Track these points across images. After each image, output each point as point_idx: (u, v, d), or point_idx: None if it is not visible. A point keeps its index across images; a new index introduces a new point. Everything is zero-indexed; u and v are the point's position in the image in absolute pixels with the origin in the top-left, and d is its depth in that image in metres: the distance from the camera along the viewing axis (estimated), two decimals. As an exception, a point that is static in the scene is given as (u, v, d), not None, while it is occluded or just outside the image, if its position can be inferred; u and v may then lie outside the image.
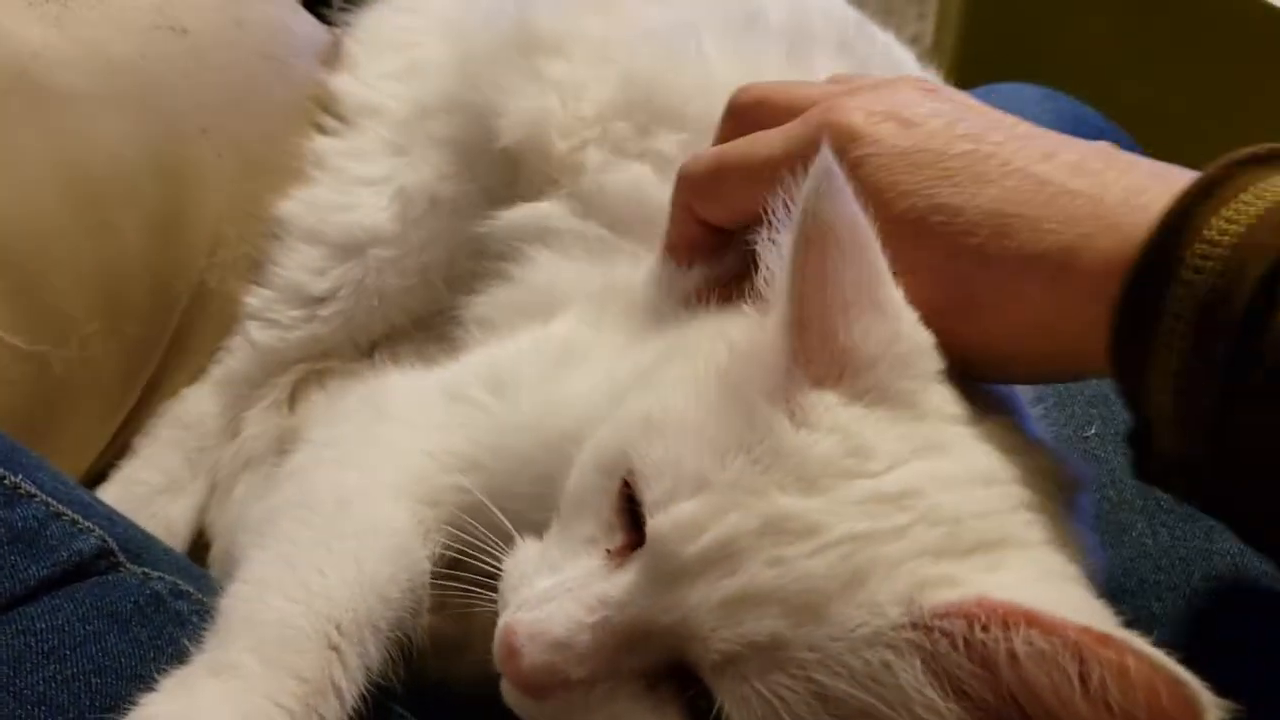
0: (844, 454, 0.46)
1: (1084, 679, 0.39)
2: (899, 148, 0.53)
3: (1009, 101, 1.11)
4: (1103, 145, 0.52)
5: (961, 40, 1.79)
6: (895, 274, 0.49)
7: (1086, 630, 0.40)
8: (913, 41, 1.97)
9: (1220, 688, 0.38)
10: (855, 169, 0.52)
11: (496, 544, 0.54)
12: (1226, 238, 0.43)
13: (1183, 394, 0.44)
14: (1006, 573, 0.45)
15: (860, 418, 0.47)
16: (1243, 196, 0.44)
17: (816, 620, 0.43)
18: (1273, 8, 1.35)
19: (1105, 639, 0.39)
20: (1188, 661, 0.39)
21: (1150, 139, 1.10)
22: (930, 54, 1.90)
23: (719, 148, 0.60)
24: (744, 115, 0.61)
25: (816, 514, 0.44)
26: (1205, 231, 0.44)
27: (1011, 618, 0.41)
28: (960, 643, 0.42)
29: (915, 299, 0.50)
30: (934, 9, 1.98)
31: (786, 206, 0.49)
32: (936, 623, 0.42)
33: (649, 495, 0.47)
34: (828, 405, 0.46)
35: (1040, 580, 0.45)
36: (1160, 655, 0.39)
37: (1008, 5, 1.74)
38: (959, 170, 0.51)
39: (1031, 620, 0.40)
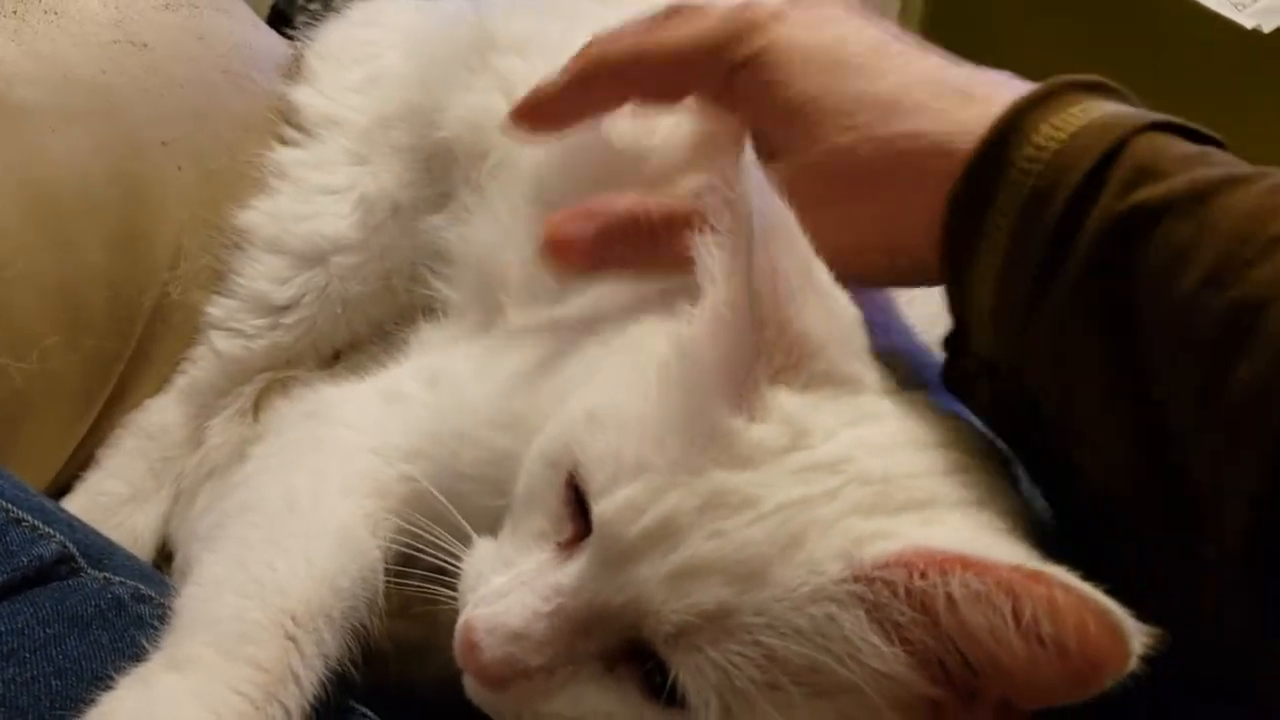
0: (784, 436, 0.47)
1: (1017, 615, 0.41)
2: (800, 40, 0.56)
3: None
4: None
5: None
6: (774, 158, 0.53)
7: (1017, 568, 0.41)
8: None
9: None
10: (756, 57, 0.56)
11: (454, 543, 0.55)
12: (1052, 143, 0.47)
13: (1000, 288, 0.48)
14: (939, 527, 0.46)
15: (806, 405, 0.48)
16: (1070, 109, 0.48)
17: (760, 585, 0.44)
18: (1220, 17, 1.38)
19: (1035, 575, 0.41)
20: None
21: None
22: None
23: (638, 34, 0.61)
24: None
25: (752, 486, 0.46)
26: (1034, 136, 0.48)
27: (947, 563, 0.42)
28: (901, 591, 0.43)
29: (794, 191, 0.50)
30: (895, 12, 2.01)
31: (712, 216, 0.50)
32: (877, 573, 0.43)
33: (592, 485, 0.48)
34: (780, 400, 0.48)
35: (973, 531, 0.47)
36: (1087, 587, 0.40)
37: (969, 12, 1.77)
38: (857, 64, 0.54)
39: (966, 564, 0.42)
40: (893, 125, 0.52)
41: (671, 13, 0.61)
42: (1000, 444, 0.54)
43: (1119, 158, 0.47)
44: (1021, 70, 0.56)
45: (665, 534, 0.46)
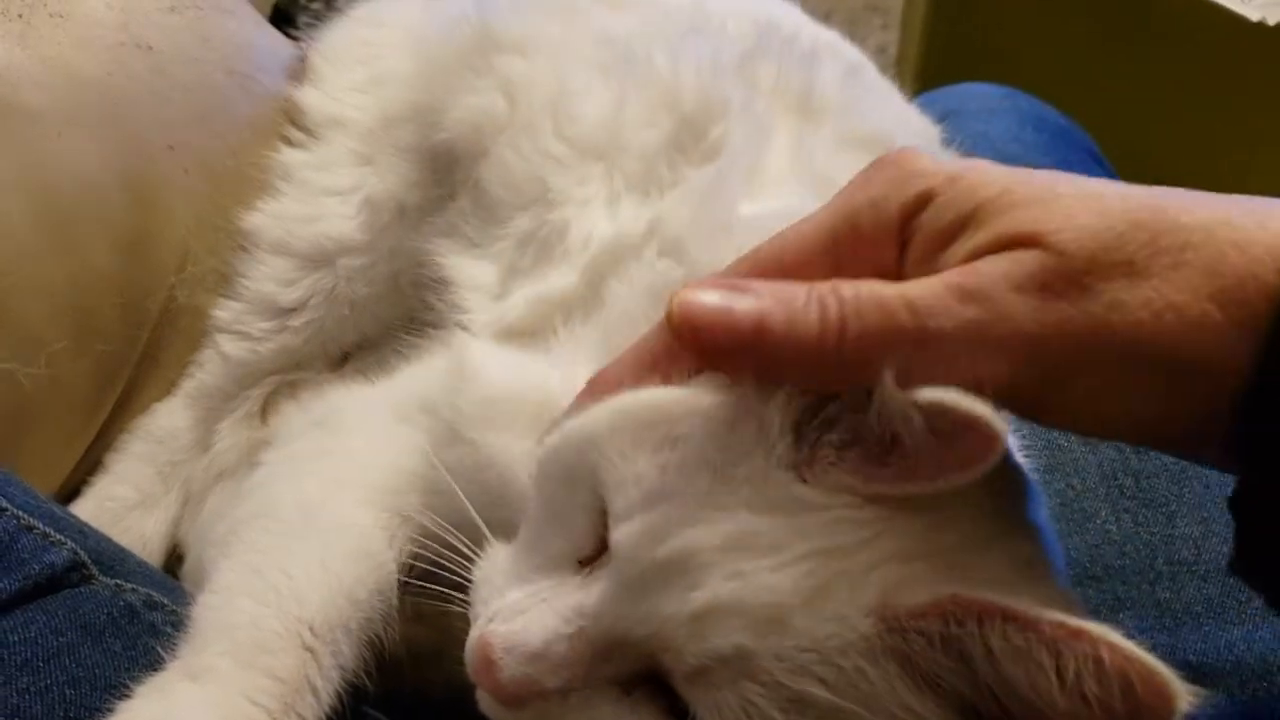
0: (829, 498, 0.45)
1: (1060, 673, 0.40)
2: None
3: (971, 101, 1.13)
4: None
5: (925, 50, 1.81)
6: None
7: (1061, 625, 0.40)
8: (879, 52, 1.99)
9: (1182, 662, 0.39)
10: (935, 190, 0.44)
11: (470, 546, 0.54)
12: None
13: None
14: (976, 570, 0.44)
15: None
16: None
17: (781, 632, 0.43)
18: (1226, 11, 1.38)
19: (1079, 632, 0.40)
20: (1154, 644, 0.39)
21: (1111, 147, 1.12)
22: (895, 64, 1.92)
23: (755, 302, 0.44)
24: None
25: (781, 532, 0.44)
26: None
27: (986, 613, 0.41)
28: (937, 641, 0.42)
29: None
30: (898, 20, 2.01)
31: None
32: (912, 624, 0.42)
33: (615, 506, 0.47)
34: (842, 478, 0.44)
35: (1010, 575, 0.45)
36: (1133, 647, 0.39)
37: (969, 14, 1.77)
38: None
39: (1007, 615, 0.41)
40: (1170, 213, 0.41)
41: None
42: (1022, 470, 0.52)
43: None
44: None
45: (685, 568, 0.44)
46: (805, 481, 0.45)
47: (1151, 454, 0.71)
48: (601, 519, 0.48)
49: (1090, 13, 1.56)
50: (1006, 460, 0.51)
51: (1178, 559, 0.67)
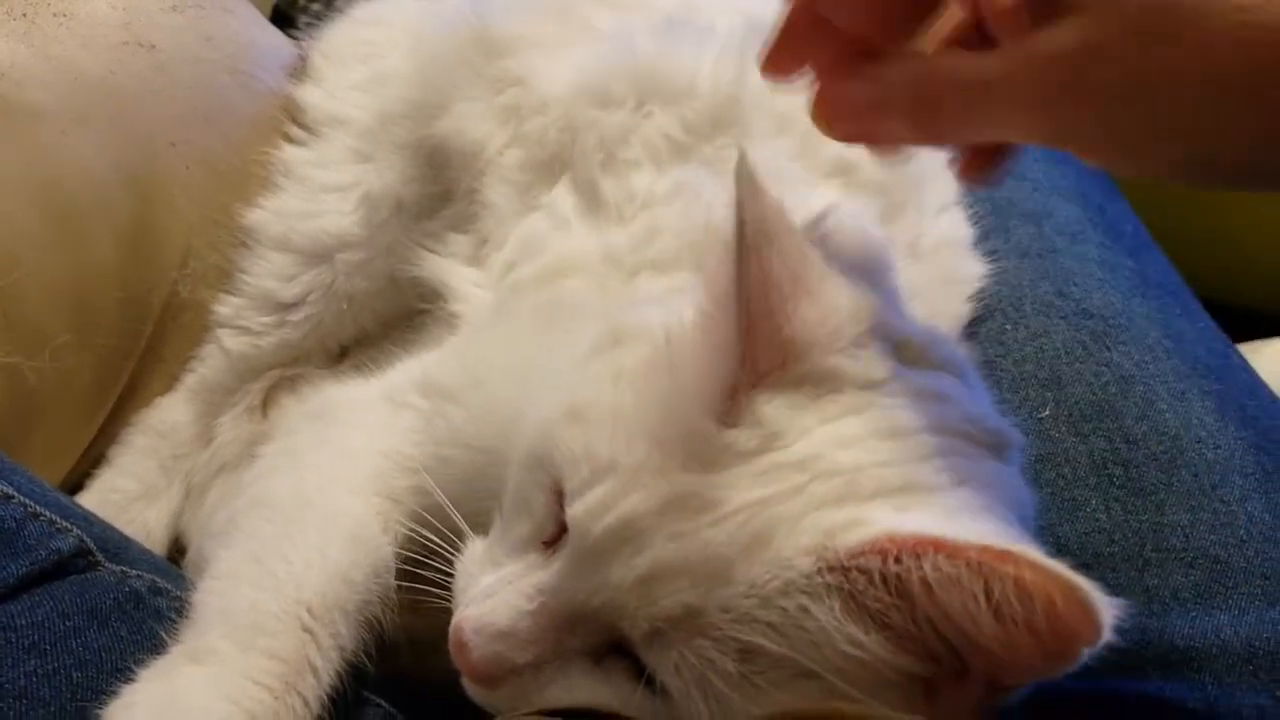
0: (755, 439, 0.47)
1: (988, 595, 0.41)
2: None
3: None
4: None
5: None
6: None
7: (986, 549, 0.41)
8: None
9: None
10: None
11: (455, 543, 0.56)
12: None
13: None
14: (914, 512, 0.46)
15: (785, 408, 0.47)
16: None
17: (724, 584, 0.45)
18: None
19: (1003, 555, 0.41)
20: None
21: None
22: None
23: None
24: None
25: (714, 489, 0.46)
26: None
27: (920, 546, 0.42)
28: (876, 577, 0.43)
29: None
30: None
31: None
32: (852, 562, 0.44)
33: (568, 485, 0.49)
34: (759, 406, 0.47)
35: (949, 515, 0.46)
36: (1054, 564, 0.40)
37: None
38: None
39: (938, 546, 0.42)
40: None
41: None
42: (995, 423, 0.53)
43: None
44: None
45: (629, 535, 0.46)
46: (729, 425, 0.47)
47: (1141, 444, 0.71)
48: (560, 500, 0.50)
49: None
50: (983, 421, 0.52)
51: (1166, 546, 0.68)
